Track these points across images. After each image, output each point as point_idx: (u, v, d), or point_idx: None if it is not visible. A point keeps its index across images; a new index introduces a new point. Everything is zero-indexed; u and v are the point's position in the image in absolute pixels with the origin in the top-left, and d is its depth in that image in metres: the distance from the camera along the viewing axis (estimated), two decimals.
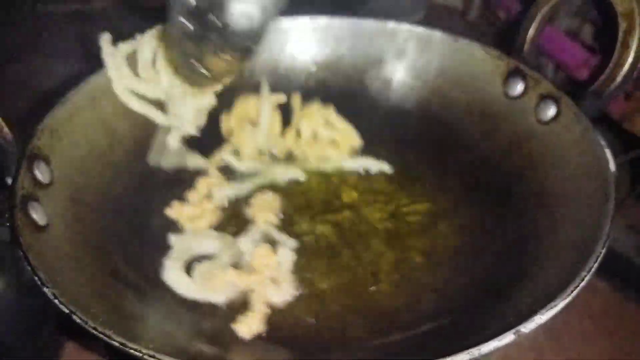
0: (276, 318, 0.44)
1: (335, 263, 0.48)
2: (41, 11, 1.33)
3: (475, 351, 0.29)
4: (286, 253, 0.47)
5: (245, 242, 0.47)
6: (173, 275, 0.44)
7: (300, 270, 0.47)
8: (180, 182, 0.54)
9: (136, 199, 0.51)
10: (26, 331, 0.55)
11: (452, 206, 0.53)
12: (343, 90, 0.63)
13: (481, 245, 0.49)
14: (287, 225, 0.51)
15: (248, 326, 0.41)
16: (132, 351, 0.30)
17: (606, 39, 0.62)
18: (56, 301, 0.32)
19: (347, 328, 0.43)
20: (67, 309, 0.32)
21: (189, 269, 0.45)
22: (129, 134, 0.53)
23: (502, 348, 0.45)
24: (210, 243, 0.47)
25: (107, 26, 1.39)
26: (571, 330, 0.72)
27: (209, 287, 0.44)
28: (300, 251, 0.48)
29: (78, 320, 0.31)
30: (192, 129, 0.54)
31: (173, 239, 0.47)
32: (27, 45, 1.27)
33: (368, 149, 0.58)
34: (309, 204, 0.54)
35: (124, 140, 0.53)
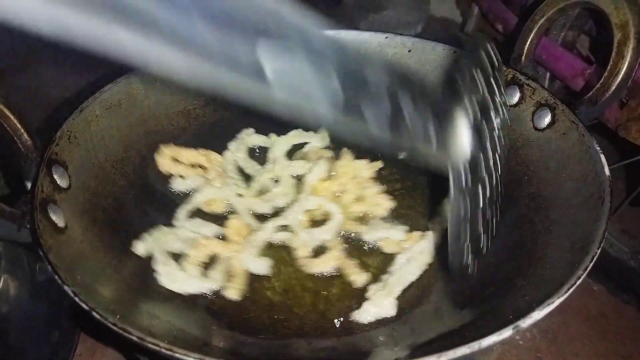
0: (280, 316, 0.46)
1: None
2: None
3: (476, 345, 0.31)
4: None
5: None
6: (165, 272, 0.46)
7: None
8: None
9: (149, 205, 0.53)
10: (40, 332, 0.56)
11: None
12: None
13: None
14: None
15: (235, 290, 0.46)
16: (150, 345, 0.31)
17: (601, 50, 0.64)
18: (77, 299, 0.34)
19: (353, 327, 0.45)
20: (87, 306, 0.33)
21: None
22: (143, 142, 0.55)
23: (500, 349, 0.48)
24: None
25: None
26: (568, 331, 0.74)
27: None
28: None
29: (98, 317, 0.33)
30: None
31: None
32: (36, 55, 1.29)
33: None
34: None
35: (138, 148, 0.55)
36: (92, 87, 0.52)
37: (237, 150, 0.60)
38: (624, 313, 0.75)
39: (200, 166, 0.57)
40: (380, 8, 1.25)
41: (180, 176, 0.56)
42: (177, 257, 0.48)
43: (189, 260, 0.48)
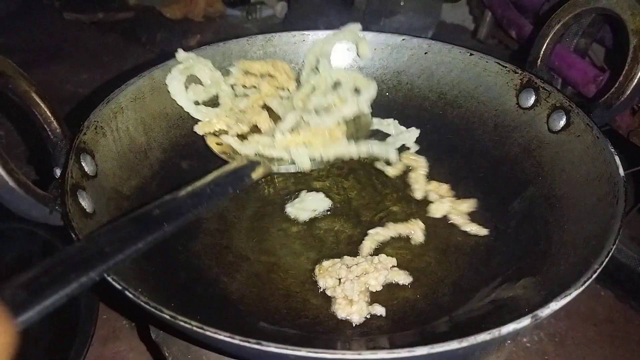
0: (300, 305, 0.47)
1: None
2: (67, 19, 1.38)
3: (496, 332, 0.32)
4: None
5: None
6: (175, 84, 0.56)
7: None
8: None
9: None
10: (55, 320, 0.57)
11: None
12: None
13: (495, 245, 0.52)
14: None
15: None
16: (182, 323, 0.32)
17: (617, 55, 0.65)
18: (110, 279, 0.35)
19: (369, 319, 0.46)
20: (120, 285, 0.34)
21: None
22: (165, 134, 0.57)
23: (508, 351, 0.49)
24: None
25: (130, 35, 1.44)
26: (575, 336, 0.74)
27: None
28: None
29: (130, 296, 0.34)
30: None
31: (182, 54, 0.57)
32: (53, 51, 1.31)
33: None
34: None
35: (161, 140, 0.56)
36: (119, 80, 0.53)
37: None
38: (632, 319, 0.76)
39: (270, 75, 0.61)
40: (391, 13, 1.27)
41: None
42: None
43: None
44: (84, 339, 0.55)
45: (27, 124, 0.52)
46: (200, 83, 0.59)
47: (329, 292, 0.48)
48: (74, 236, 0.38)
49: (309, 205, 0.57)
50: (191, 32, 1.31)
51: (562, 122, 0.51)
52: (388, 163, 0.62)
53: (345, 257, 0.51)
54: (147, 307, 0.33)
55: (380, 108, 0.66)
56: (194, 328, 0.32)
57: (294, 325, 0.45)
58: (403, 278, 0.49)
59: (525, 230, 0.50)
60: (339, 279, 0.48)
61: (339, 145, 0.53)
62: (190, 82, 0.58)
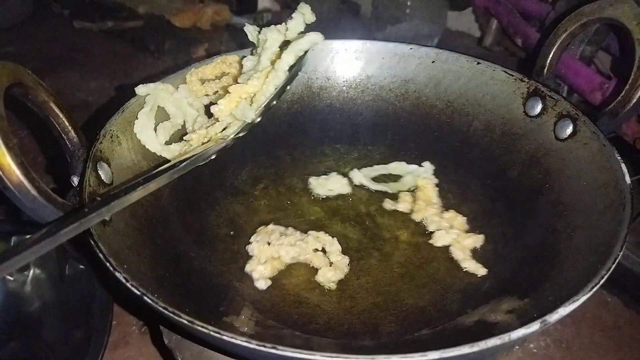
0: (311, 311, 0.48)
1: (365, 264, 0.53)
2: (77, 28, 1.40)
3: (506, 337, 0.32)
4: None
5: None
6: (145, 133, 0.53)
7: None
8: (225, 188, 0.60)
9: (183, 204, 0.55)
10: (70, 324, 0.58)
11: (473, 216, 0.57)
12: (370, 108, 0.68)
13: (502, 252, 0.53)
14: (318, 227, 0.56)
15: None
16: (199, 328, 0.33)
17: (623, 64, 0.66)
18: (128, 284, 0.36)
19: (379, 323, 0.47)
20: (139, 291, 0.35)
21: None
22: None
23: (515, 357, 0.49)
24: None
25: (139, 44, 1.46)
26: (582, 342, 0.75)
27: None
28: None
29: (148, 301, 0.35)
30: None
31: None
32: (63, 59, 1.33)
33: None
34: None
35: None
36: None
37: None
38: (638, 325, 0.76)
39: (224, 73, 0.60)
40: (397, 21, 1.28)
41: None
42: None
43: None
44: (97, 348, 0.56)
45: (43, 132, 0.53)
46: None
47: (249, 249, 0.53)
48: (92, 243, 0.39)
49: (330, 184, 0.60)
50: (199, 41, 1.32)
51: (569, 130, 0.52)
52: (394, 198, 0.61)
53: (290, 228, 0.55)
54: (166, 312, 0.34)
55: (388, 116, 0.67)
56: (211, 333, 0.33)
57: (305, 331, 0.46)
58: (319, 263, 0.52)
59: (532, 237, 0.51)
60: (268, 242, 0.53)
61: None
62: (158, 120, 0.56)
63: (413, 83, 0.66)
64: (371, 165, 0.65)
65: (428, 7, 1.25)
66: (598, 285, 0.35)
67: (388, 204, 0.60)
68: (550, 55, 0.57)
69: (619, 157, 0.46)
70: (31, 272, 0.61)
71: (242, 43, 0.66)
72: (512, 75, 0.58)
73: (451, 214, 0.57)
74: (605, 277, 0.36)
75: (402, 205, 0.60)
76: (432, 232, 0.56)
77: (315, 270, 0.52)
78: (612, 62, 0.70)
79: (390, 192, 0.61)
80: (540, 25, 0.82)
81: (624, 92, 0.49)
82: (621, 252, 0.38)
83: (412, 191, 0.61)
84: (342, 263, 0.52)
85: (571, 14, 0.55)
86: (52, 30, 1.47)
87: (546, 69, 0.58)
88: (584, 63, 0.71)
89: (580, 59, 0.71)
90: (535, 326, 0.33)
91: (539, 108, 0.56)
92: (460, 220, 0.57)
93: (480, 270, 0.51)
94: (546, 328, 0.34)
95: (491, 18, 1.00)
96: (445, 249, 0.54)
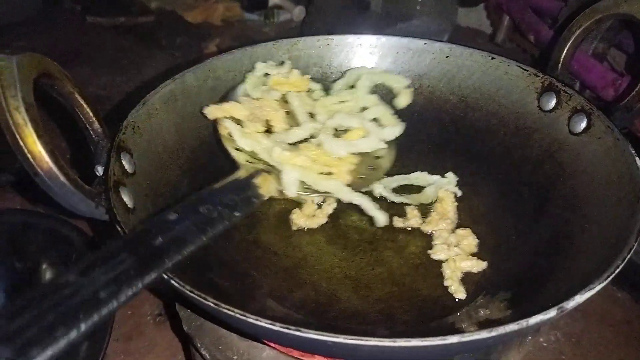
0: (326, 300, 0.49)
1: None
2: (90, 23, 1.42)
3: (524, 322, 0.33)
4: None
5: None
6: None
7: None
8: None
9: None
10: None
11: (487, 210, 0.58)
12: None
13: (516, 245, 0.53)
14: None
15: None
16: (225, 311, 0.34)
17: (637, 60, 0.67)
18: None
19: (394, 313, 0.48)
20: (167, 275, 0.36)
21: None
22: (195, 134, 0.59)
23: (525, 351, 0.50)
24: None
25: (150, 39, 1.48)
26: (591, 336, 0.76)
27: None
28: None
29: (176, 285, 0.36)
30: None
31: None
32: (75, 53, 1.35)
33: (404, 159, 0.63)
34: None
35: (191, 140, 0.58)
36: (154, 83, 0.55)
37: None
38: None
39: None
40: (407, 17, 1.29)
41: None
42: None
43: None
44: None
45: (67, 123, 0.54)
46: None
47: None
48: (119, 229, 0.40)
49: None
50: (210, 36, 1.34)
51: (583, 125, 0.53)
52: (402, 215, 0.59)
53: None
54: (193, 294, 0.35)
55: (401, 111, 0.68)
56: (237, 315, 0.34)
57: (322, 319, 0.47)
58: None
59: (546, 229, 0.51)
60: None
61: (336, 181, 0.48)
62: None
63: (427, 78, 0.66)
64: (391, 175, 0.61)
65: (438, 3, 1.26)
66: (613, 274, 0.36)
67: (399, 223, 0.58)
68: (565, 51, 0.58)
69: (633, 151, 0.46)
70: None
71: (254, 38, 0.66)
72: (527, 70, 0.59)
73: (464, 232, 0.55)
74: (621, 266, 0.37)
75: (413, 221, 0.58)
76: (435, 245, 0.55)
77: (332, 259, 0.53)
78: (626, 59, 0.70)
79: (412, 203, 0.59)
80: (552, 22, 0.82)
81: (638, 87, 0.49)
82: (636, 243, 0.38)
83: (431, 204, 0.59)
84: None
85: (586, 10, 0.55)
86: (64, 25, 1.48)
87: (560, 64, 0.58)
88: (597, 59, 0.72)
89: (593, 55, 0.72)
90: (552, 312, 0.34)
91: (553, 103, 0.56)
92: (470, 241, 0.54)
93: (460, 294, 0.49)
94: (562, 315, 0.35)
95: (503, 14, 1.00)
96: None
